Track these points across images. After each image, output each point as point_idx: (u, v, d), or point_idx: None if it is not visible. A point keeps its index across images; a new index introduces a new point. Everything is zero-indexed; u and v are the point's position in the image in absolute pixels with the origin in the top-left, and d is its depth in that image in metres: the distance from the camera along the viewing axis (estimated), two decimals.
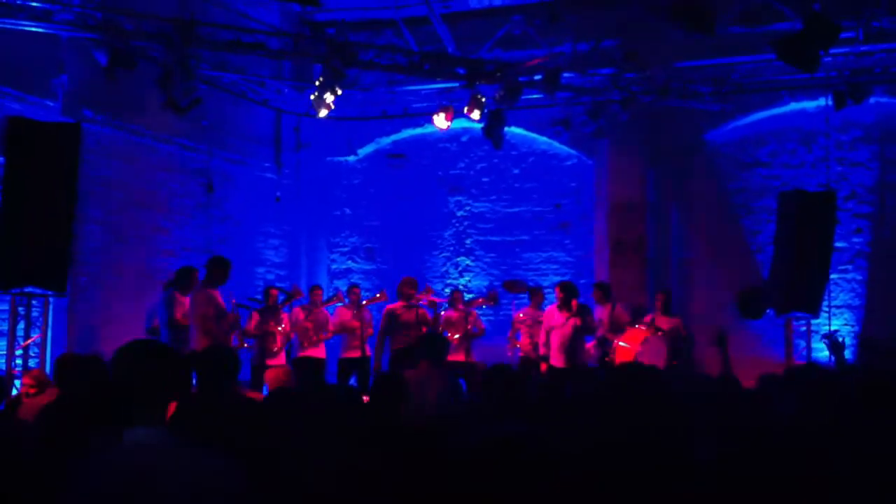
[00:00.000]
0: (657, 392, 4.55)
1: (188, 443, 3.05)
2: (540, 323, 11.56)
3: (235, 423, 4.29)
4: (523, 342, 11.80)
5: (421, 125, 14.20)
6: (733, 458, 3.47)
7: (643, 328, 10.97)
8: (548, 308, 11.43)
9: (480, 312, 12.54)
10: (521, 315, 12.04)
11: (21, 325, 9.42)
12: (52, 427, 4.10)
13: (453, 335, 11.62)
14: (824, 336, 9.73)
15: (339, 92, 10.79)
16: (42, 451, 3.80)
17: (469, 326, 11.86)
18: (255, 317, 10.88)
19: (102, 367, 6.05)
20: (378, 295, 11.81)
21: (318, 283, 13.53)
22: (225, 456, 3.07)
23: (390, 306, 11.35)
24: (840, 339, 8.55)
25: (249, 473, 3.50)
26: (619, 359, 10.63)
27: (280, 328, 10.85)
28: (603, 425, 4.17)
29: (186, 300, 9.64)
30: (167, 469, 2.87)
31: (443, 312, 12.06)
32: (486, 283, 14.11)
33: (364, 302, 11.57)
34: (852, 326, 12.38)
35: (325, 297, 11.84)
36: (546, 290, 12.83)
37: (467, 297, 12.85)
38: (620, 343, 10.82)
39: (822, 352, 11.01)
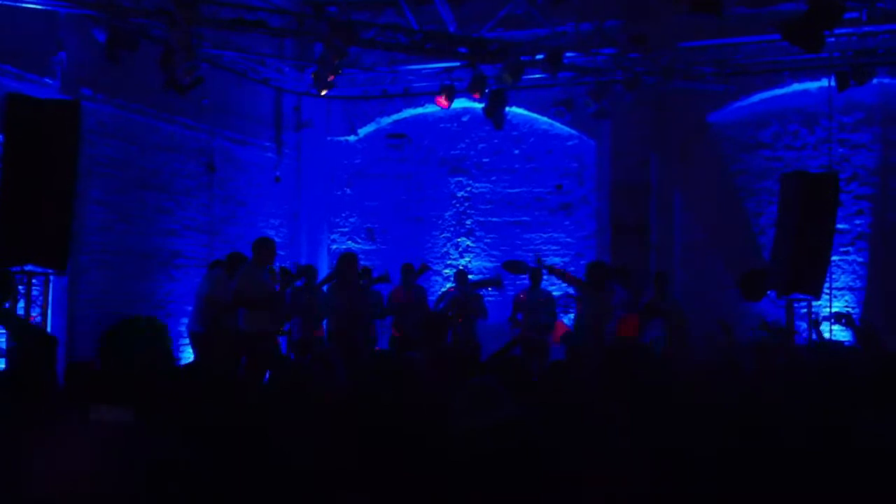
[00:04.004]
0: (654, 375, 4.54)
1: (151, 424, 3.01)
2: (541, 303, 11.66)
3: (221, 405, 4.27)
4: (524, 323, 11.82)
5: (422, 105, 14.15)
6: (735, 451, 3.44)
7: (643, 311, 11.00)
8: None
9: (484, 294, 12.57)
10: (522, 296, 12.05)
11: (21, 304, 9.38)
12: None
13: (457, 317, 11.65)
14: (835, 316, 9.66)
15: (340, 71, 10.75)
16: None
17: (472, 308, 11.90)
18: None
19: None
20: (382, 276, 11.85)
21: (317, 263, 13.55)
22: (187, 441, 3.07)
23: None
24: (850, 317, 8.52)
25: (234, 456, 3.47)
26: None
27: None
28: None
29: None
30: (127, 448, 2.88)
31: (447, 292, 12.14)
32: (487, 265, 14.10)
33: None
34: (853, 308, 12.37)
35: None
36: (546, 272, 12.81)
37: (472, 278, 12.87)
38: (622, 326, 10.83)
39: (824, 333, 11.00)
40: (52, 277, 9.53)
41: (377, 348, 11.56)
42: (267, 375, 9.08)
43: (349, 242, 14.84)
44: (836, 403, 4.05)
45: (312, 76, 10.92)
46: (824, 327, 9.87)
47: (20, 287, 9.30)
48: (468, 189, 14.44)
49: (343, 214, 15.02)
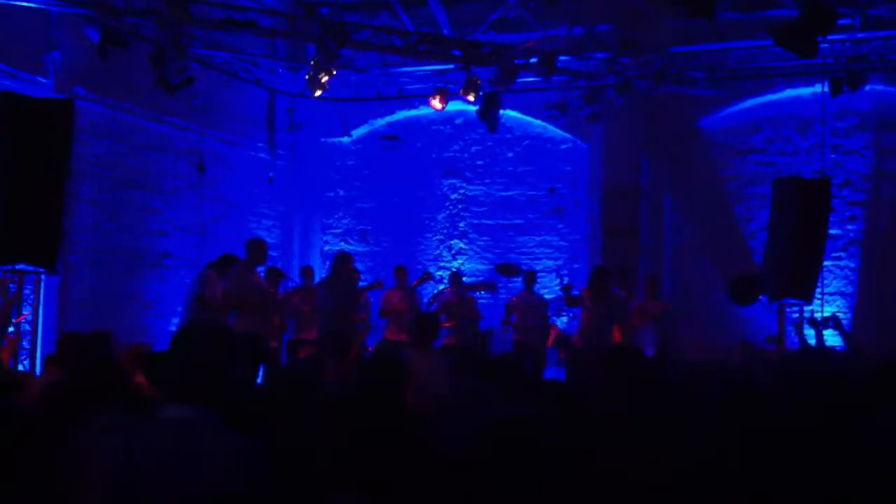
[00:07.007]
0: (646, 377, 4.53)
1: (222, 423, 2.97)
2: (532, 307, 11.64)
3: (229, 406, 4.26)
4: (516, 326, 11.82)
5: (415, 107, 14.16)
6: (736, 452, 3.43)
7: (634, 313, 11.00)
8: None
9: (477, 297, 12.58)
10: (515, 299, 12.05)
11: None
12: (56, 406, 4.05)
13: (450, 319, 11.64)
14: (824, 320, 9.58)
15: (334, 72, 10.74)
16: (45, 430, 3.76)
17: (466, 311, 11.89)
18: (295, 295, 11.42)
19: (106, 344, 6.14)
20: (375, 283, 11.85)
21: (310, 264, 13.54)
22: (254, 440, 3.04)
23: None
24: (838, 320, 8.46)
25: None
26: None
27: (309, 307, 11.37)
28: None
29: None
30: (197, 448, 2.83)
31: (441, 293, 12.14)
32: (480, 268, 14.10)
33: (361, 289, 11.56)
34: (844, 313, 12.39)
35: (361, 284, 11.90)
36: (539, 275, 12.82)
37: (465, 280, 12.87)
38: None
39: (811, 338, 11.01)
40: (43, 276, 9.52)
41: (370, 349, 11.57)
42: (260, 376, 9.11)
43: (342, 244, 14.83)
44: (831, 402, 4.03)
45: (306, 78, 10.92)
46: (809, 332, 9.82)
47: (11, 286, 9.30)
48: (462, 191, 14.45)
49: (336, 216, 15.01)
